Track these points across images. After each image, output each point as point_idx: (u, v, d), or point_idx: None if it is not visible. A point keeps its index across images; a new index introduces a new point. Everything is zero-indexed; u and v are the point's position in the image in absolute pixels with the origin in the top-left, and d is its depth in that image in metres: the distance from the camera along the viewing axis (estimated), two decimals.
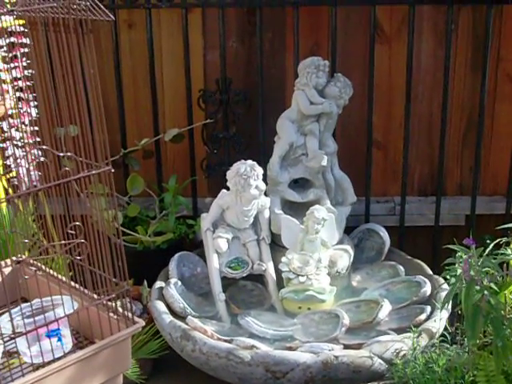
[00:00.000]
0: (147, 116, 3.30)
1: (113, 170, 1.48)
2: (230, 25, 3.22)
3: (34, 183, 1.93)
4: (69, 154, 1.47)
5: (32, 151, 1.93)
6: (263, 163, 2.86)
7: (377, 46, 3.07)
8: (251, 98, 3.21)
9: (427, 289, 2.70)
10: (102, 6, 1.50)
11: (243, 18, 3.23)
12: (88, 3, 1.48)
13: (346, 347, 2.43)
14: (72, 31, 1.50)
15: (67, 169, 1.46)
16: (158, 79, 3.24)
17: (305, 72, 2.88)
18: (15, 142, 2.16)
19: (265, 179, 2.80)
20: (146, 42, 3.18)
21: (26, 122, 1.97)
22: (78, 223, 1.47)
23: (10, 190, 2.26)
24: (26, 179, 2.11)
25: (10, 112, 1.88)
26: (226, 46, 3.17)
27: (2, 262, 1.74)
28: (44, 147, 1.53)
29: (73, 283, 1.67)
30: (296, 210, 2.93)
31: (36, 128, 1.98)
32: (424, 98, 3.25)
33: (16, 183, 2.29)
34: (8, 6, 1.60)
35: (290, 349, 2.41)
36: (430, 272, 2.89)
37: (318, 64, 2.88)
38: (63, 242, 1.48)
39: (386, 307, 2.58)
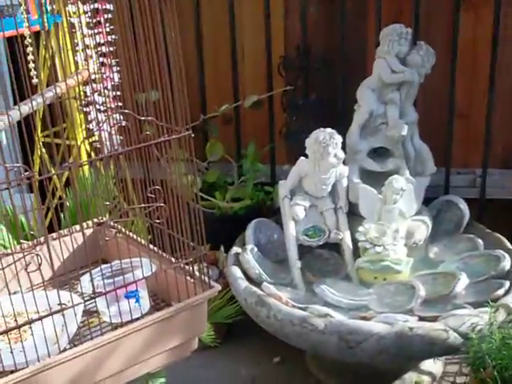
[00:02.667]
0: (227, 82, 3.30)
1: (193, 135, 1.49)
2: None
3: (116, 147, 1.95)
4: (150, 118, 1.48)
5: (114, 115, 1.96)
6: (342, 131, 2.83)
7: (462, 13, 2.99)
8: (331, 65, 3.18)
9: (506, 263, 2.65)
10: None
11: None
12: None
13: (421, 319, 2.40)
14: None
15: (148, 133, 1.48)
16: (238, 45, 3.24)
17: (387, 40, 2.84)
18: (98, 107, 2.20)
19: (344, 148, 2.78)
20: (227, 8, 3.17)
21: (109, 87, 2.00)
22: (157, 187, 1.48)
23: (93, 154, 2.30)
24: (107, 143, 2.14)
25: (93, 77, 1.90)
26: (307, 11, 3.14)
27: (84, 224, 1.77)
28: (126, 111, 1.54)
29: (151, 246, 1.70)
30: (374, 179, 2.90)
31: (118, 93, 2.00)
32: (510, 68, 3.15)
33: (98, 147, 2.33)
34: None
35: (364, 318, 2.41)
36: (510, 246, 2.82)
37: (401, 31, 2.83)
38: (143, 205, 1.50)
39: (463, 280, 2.54)
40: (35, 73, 1.48)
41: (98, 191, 1.90)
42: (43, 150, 2.69)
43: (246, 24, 3.29)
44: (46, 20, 1.67)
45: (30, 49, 1.45)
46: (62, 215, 2.35)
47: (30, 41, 1.49)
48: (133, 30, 1.66)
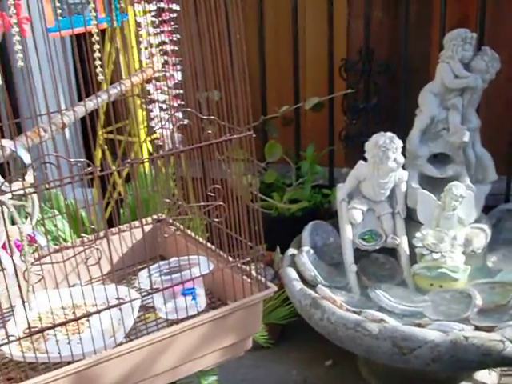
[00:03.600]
0: (288, 83, 3.31)
1: (254, 135, 1.49)
2: None
3: (176, 145, 1.97)
4: (212, 117, 1.49)
5: (175, 114, 1.98)
6: (403, 136, 2.81)
7: None
8: (394, 70, 3.16)
9: None
10: None
11: None
12: None
13: (477, 329, 2.37)
14: None
15: (210, 132, 1.49)
16: (300, 47, 3.24)
17: (450, 44, 2.80)
18: (160, 105, 2.22)
19: (403, 152, 2.76)
20: (290, 9, 3.18)
21: (171, 85, 2.02)
22: (217, 186, 1.49)
23: (153, 151, 2.33)
24: (168, 141, 2.16)
25: (156, 75, 1.92)
26: (371, 15, 3.12)
27: (143, 220, 1.80)
28: (188, 109, 1.56)
29: (209, 244, 1.71)
30: (434, 185, 2.87)
31: (180, 91, 2.02)
32: None
33: (159, 144, 2.35)
34: None
35: (418, 325, 2.38)
36: None
37: (465, 36, 2.79)
38: (203, 203, 1.51)
39: None
40: (101, 70, 1.51)
41: (158, 188, 1.91)
42: (105, 146, 2.73)
43: (308, 25, 3.29)
44: (114, 18, 1.70)
45: (96, 46, 1.47)
46: (122, 211, 2.39)
47: (97, 38, 1.51)
48: (197, 30, 1.68)
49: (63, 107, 1.51)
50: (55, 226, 2.18)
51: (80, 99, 1.57)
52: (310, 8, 3.26)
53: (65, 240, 2.14)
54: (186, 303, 1.53)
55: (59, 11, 1.66)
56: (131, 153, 2.67)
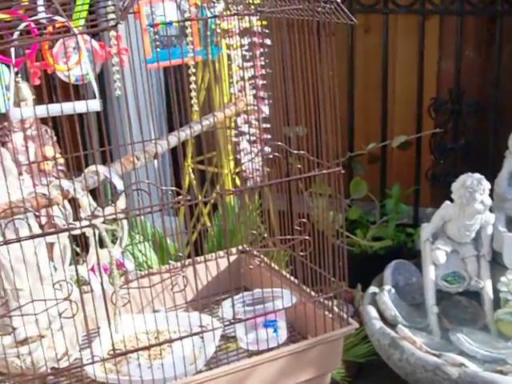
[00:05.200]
0: (376, 121, 3.30)
1: (343, 171, 1.50)
2: (468, 33, 3.15)
3: (262, 178, 2.00)
4: (302, 152, 1.51)
5: (262, 147, 2.00)
6: (491, 178, 2.76)
7: None
8: (484, 110, 3.12)
9: None
10: (346, 10, 1.52)
11: (482, 27, 3.15)
12: (332, 6, 1.51)
13: None
14: (315, 33, 1.54)
15: (299, 166, 1.50)
16: (389, 85, 3.24)
17: None
18: (247, 138, 2.25)
19: (491, 194, 2.71)
20: (380, 47, 3.18)
21: (259, 119, 2.05)
22: (304, 220, 1.50)
23: (239, 183, 2.36)
24: (254, 174, 2.18)
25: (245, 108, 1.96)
26: (462, 54, 3.10)
27: (227, 251, 1.82)
28: (279, 143, 1.58)
29: (292, 278, 1.72)
30: None
31: (267, 125, 2.05)
32: None
33: (247, 177, 2.38)
34: (252, 6, 1.67)
35: (500, 372, 2.32)
36: None
37: None
38: (289, 237, 1.52)
39: None
40: (195, 101, 1.54)
41: (242, 220, 1.94)
42: (192, 176, 2.77)
43: (399, 63, 3.29)
44: (210, 51, 1.75)
45: (192, 78, 1.51)
46: (206, 241, 2.42)
47: (193, 70, 1.55)
48: (289, 65, 1.70)
49: (153, 136, 1.55)
50: (141, 251, 2.22)
51: (170, 129, 1.61)
52: (401, 45, 3.26)
53: (149, 266, 2.18)
54: (268, 335, 1.54)
55: (157, 43, 1.72)
56: (218, 184, 2.71)
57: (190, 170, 2.78)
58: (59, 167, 2.08)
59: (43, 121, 2.12)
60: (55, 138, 2.13)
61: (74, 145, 1.41)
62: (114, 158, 1.56)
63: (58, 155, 2.09)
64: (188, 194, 1.39)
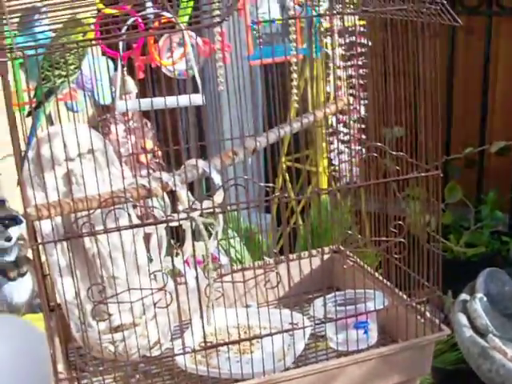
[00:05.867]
0: (475, 125, 3.24)
1: (441, 175, 1.47)
2: None
3: (355, 179, 1.99)
4: (401, 153, 1.49)
5: (356, 147, 1.99)
6: None
7: None
8: None
9: None
10: (451, 12, 1.50)
11: None
12: (438, 7, 1.49)
13: None
14: (419, 34, 1.52)
15: (397, 168, 1.49)
16: (490, 88, 3.17)
17: None
18: (341, 138, 2.24)
19: None
20: (482, 50, 3.12)
21: (354, 119, 2.04)
22: (400, 222, 1.49)
23: (332, 183, 2.35)
24: (347, 174, 2.17)
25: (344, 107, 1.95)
26: None
27: (320, 249, 1.82)
28: (378, 144, 1.56)
29: (384, 280, 1.70)
30: None
31: (363, 126, 2.04)
32: None
33: (337, 177, 2.37)
34: (351, 6, 1.66)
35: None
36: None
37: None
38: (384, 239, 1.51)
39: None
40: (296, 98, 1.55)
41: (335, 220, 1.93)
42: (286, 174, 2.78)
43: (501, 67, 3.22)
44: (313, 49, 1.75)
45: (294, 75, 1.52)
46: (297, 239, 2.43)
47: (295, 68, 1.56)
48: (390, 66, 1.68)
49: (251, 132, 1.56)
50: (233, 247, 2.24)
51: (269, 126, 1.61)
52: (503, 48, 3.19)
53: (241, 262, 2.20)
54: (358, 336, 1.53)
55: (259, 40, 1.73)
56: (312, 182, 2.71)
57: (284, 168, 2.80)
58: (157, 160, 2.12)
59: (143, 114, 2.17)
60: (154, 131, 2.18)
61: (173, 138, 1.44)
62: (210, 152, 1.58)
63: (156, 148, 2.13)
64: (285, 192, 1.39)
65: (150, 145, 2.13)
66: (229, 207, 1.43)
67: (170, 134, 1.38)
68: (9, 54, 1.24)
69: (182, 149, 1.43)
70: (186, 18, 1.57)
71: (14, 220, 2.21)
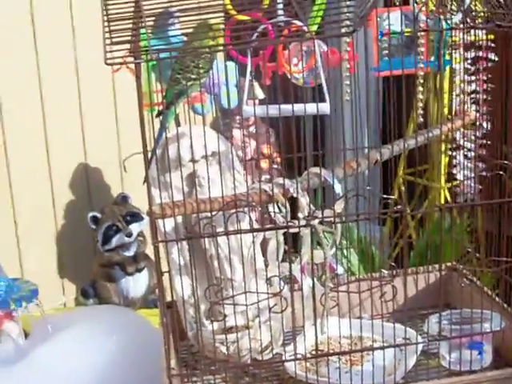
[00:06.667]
0: None
1: None
2: None
3: (473, 196, 1.95)
4: None
5: (478, 164, 1.95)
6: None
7: None
8: None
9: None
10: None
11: None
12: None
13: None
14: None
15: None
16: None
17: None
18: (465, 153, 2.20)
19: None
20: None
21: (478, 135, 2.00)
22: None
23: (450, 199, 2.32)
24: (467, 190, 2.14)
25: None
26: None
27: (436, 266, 1.79)
28: (498, 161, 1.53)
29: (502, 302, 1.66)
30: None
31: (485, 142, 1.99)
32: None
33: (458, 192, 2.33)
34: (480, 19, 1.62)
35: None
36: None
37: None
38: (505, 259, 1.47)
39: None
40: (421, 112, 1.53)
41: (453, 237, 1.90)
42: (403, 188, 2.75)
43: None
44: (442, 63, 1.72)
45: (420, 89, 1.51)
46: (411, 254, 2.40)
47: (421, 81, 1.54)
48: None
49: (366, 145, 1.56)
50: (346, 257, 2.23)
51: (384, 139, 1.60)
52: None
53: (353, 273, 2.19)
54: (471, 357, 1.50)
55: (385, 52, 1.72)
56: (428, 197, 2.67)
57: (401, 181, 2.76)
58: (276, 166, 2.14)
59: (262, 120, 2.19)
60: (273, 138, 2.20)
61: (290, 146, 1.45)
62: (327, 162, 1.58)
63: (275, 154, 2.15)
64: (405, 205, 1.38)
65: (268, 150, 2.15)
66: (347, 217, 1.43)
67: (290, 140, 1.39)
68: (144, 56, 1.28)
69: (302, 156, 1.44)
70: (315, 27, 1.57)
71: (136, 216, 2.27)
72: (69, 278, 2.80)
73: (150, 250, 2.60)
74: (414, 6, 1.83)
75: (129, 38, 1.31)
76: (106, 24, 1.35)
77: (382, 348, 1.46)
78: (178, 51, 1.40)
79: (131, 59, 1.26)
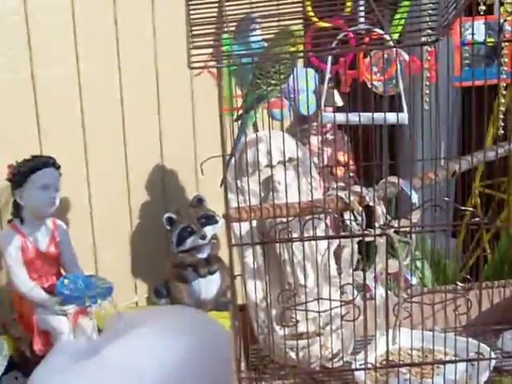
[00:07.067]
0: None
1: None
2: None
3: None
4: None
5: None
6: None
7: None
8: None
9: None
10: None
11: None
12: None
13: None
14: None
15: None
16: None
17: None
18: None
19: None
20: None
21: None
22: None
23: None
24: None
25: None
26: None
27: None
28: None
29: None
30: None
31: None
32: None
33: None
34: None
35: None
36: None
37: None
38: None
39: None
40: (502, 124, 1.51)
41: None
42: (478, 200, 2.71)
43: None
44: None
45: (501, 100, 1.48)
46: (486, 267, 2.35)
47: (503, 92, 1.52)
48: None
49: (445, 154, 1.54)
50: (418, 268, 2.21)
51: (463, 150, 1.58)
52: None
53: (425, 284, 2.17)
54: None
55: (466, 61, 1.70)
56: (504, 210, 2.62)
57: (477, 193, 2.72)
58: (351, 173, 2.13)
59: (338, 127, 2.19)
60: (350, 145, 2.19)
61: (366, 154, 1.44)
62: (402, 171, 1.57)
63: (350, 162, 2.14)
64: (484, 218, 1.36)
65: (344, 158, 2.14)
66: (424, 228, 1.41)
67: (368, 148, 1.39)
68: (226, 61, 1.30)
69: (378, 165, 1.43)
70: (396, 35, 1.57)
71: (210, 219, 2.29)
72: (142, 278, 2.84)
73: (222, 253, 2.62)
74: (499, 15, 1.80)
75: (211, 42, 1.33)
76: (189, 28, 1.36)
77: (454, 362, 1.44)
78: (260, 57, 1.41)
79: (213, 63, 1.28)
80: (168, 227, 2.38)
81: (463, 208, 1.32)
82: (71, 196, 2.59)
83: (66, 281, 2.26)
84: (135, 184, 2.73)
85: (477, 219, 1.33)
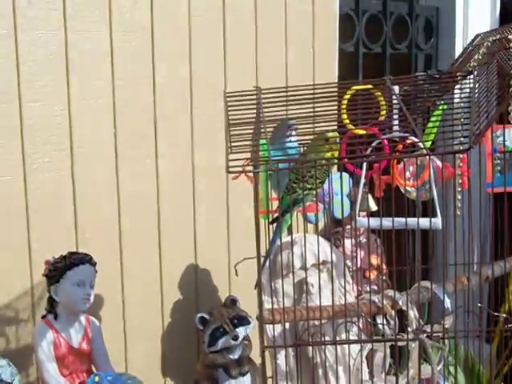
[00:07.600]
0: None
1: None
2: None
3: None
4: None
5: None
6: None
7: None
8: None
9: None
10: None
11: None
12: None
13: None
14: None
15: None
16: None
17: None
18: None
19: None
20: None
21: None
22: None
23: None
24: None
25: None
26: None
27: None
28: None
29: None
30: None
31: None
32: None
33: None
34: None
35: None
36: None
37: None
38: None
39: None
40: None
41: None
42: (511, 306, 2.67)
43: None
44: None
45: None
46: None
47: None
48: None
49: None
50: (451, 374, 2.18)
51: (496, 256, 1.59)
52: None
53: None
54: None
55: (498, 168, 1.73)
56: None
57: (511, 299, 2.69)
58: (383, 277, 2.13)
59: (372, 230, 2.20)
60: (382, 248, 2.20)
61: (398, 258, 1.46)
62: (434, 276, 1.58)
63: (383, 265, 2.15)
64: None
65: (376, 261, 2.15)
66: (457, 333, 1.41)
67: (401, 252, 1.40)
68: (263, 166, 1.34)
69: (410, 269, 1.45)
70: (429, 143, 1.60)
71: (243, 320, 2.29)
72: (171, 377, 2.82)
73: (253, 354, 2.61)
74: None
75: (248, 144, 1.37)
76: (227, 129, 1.41)
77: None
78: (296, 162, 1.45)
79: (251, 168, 1.32)
80: (201, 327, 2.38)
81: (496, 314, 1.32)
82: (104, 293, 2.62)
83: (96, 378, 2.25)
84: (168, 282, 2.75)
85: (510, 325, 1.33)
